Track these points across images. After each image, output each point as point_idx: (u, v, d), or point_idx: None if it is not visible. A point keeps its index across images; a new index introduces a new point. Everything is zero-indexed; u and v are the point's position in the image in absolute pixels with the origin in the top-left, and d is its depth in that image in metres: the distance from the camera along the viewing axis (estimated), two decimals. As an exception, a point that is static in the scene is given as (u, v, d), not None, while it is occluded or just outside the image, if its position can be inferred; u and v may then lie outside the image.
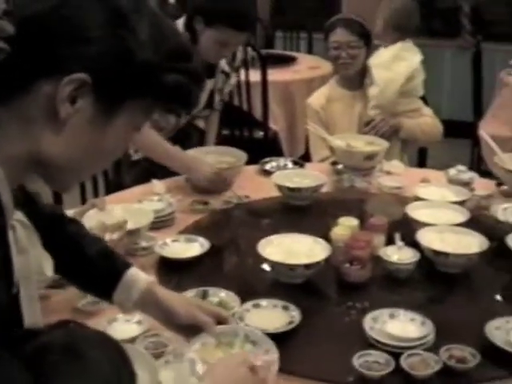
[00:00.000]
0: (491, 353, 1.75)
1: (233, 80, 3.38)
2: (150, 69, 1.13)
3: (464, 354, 1.73)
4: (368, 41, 3.47)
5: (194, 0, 2.95)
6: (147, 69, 1.12)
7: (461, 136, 5.47)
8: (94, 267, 1.68)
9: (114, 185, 3.28)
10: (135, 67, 1.11)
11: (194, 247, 2.30)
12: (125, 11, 1.11)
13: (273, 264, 2.11)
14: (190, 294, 1.97)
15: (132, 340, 1.77)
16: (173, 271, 2.19)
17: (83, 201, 2.95)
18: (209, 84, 3.17)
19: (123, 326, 1.85)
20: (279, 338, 1.75)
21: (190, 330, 1.64)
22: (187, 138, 3.22)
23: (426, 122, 3.54)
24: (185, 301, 1.71)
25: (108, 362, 0.94)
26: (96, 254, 1.69)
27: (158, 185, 2.78)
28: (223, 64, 3.19)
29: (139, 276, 1.68)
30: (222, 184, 2.80)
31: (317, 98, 3.57)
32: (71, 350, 0.93)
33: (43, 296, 1.88)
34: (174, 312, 1.65)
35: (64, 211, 1.86)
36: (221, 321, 1.68)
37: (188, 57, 1.20)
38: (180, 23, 2.97)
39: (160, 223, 2.47)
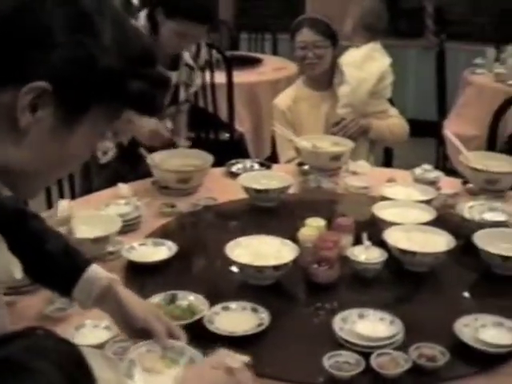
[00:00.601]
0: (460, 350, 1.76)
1: (198, 80, 3.38)
2: (114, 75, 1.10)
3: (433, 353, 1.74)
4: (334, 41, 3.48)
5: None
6: (111, 75, 1.09)
7: (426, 135, 5.51)
8: (55, 264, 1.68)
9: (83, 189, 3.27)
10: (98, 74, 1.08)
11: (162, 251, 2.28)
12: (87, 14, 1.08)
13: (241, 266, 2.10)
14: (159, 297, 1.96)
15: (101, 346, 1.75)
16: (141, 275, 2.18)
17: (49, 205, 2.93)
18: (173, 77, 3.16)
19: (91, 332, 1.83)
20: (249, 341, 1.74)
21: (142, 335, 1.64)
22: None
23: (393, 122, 3.56)
24: (145, 306, 1.71)
25: (58, 371, 0.91)
26: (57, 250, 1.69)
27: (124, 188, 2.76)
28: (187, 57, 3.20)
29: (100, 273, 1.68)
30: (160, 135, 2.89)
31: (283, 99, 3.57)
32: (13, 364, 0.90)
33: (10, 302, 1.87)
34: (133, 314, 1.64)
35: (26, 206, 1.85)
36: (173, 337, 1.66)
37: (152, 62, 1.17)
38: (142, 15, 3.01)
39: (127, 227, 2.45)
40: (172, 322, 1.73)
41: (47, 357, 0.93)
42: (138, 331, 1.64)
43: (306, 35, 3.43)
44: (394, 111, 3.62)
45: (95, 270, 1.67)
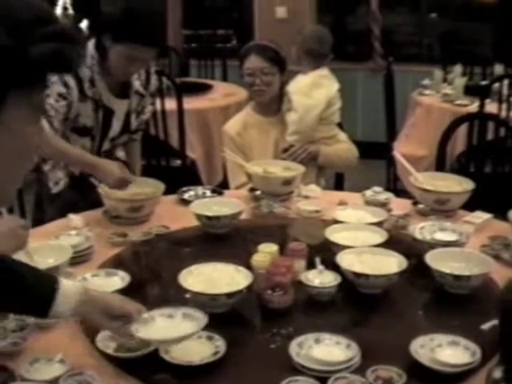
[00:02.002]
0: (417, 371, 1.77)
1: (150, 108, 3.37)
2: (10, 53, 1.03)
3: (390, 374, 1.74)
4: (282, 67, 3.49)
5: (102, 17, 2.96)
6: (7, 54, 1.03)
7: (377, 157, 5.56)
8: (26, 289, 1.75)
9: (36, 219, 3.23)
10: None
11: (115, 281, 2.26)
12: None
13: (194, 294, 2.09)
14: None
15: (55, 380, 1.74)
16: (93, 307, 2.15)
17: None
18: (124, 105, 3.15)
19: (46, 367, 1.81)
20: (205, 370, 1.73)
21: (118, 321, 1.81)
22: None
23: (342, 147, 3.59)
24: (113, 296, 1.92)
25: None
26: (24, 276, 1.77)
27: (74, 219, 2.73)
28: (137, 85, 3.18)
29: (71, 283, 1.80)
30: (126, 181, 2.85)
31: (232, 125, 3.57)
32: None
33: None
34: (112, 305, 1.81)
35: None
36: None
37: (47, 20, 1.09)
38: (90, 44, 3.00)
39: (78, 258, 2.42)
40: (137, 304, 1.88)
41: None
42: (116, 319, 1.80)
43: (253, 62, 3.44)
44: (342, 136, 3.64)
45: (65, 282, 1.78)
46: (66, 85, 2.90)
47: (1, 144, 1.09)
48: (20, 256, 2.17)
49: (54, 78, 2.90)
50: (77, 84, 2.93)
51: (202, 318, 1.87)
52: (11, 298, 1.77)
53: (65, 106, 2.92)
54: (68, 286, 1.77)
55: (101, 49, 2.95)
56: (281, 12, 7.21)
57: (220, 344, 1.87)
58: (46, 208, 3.26)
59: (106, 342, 1.88)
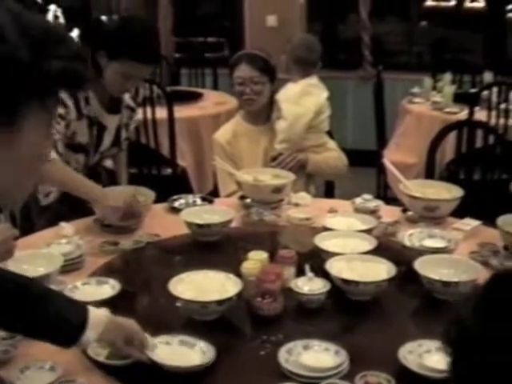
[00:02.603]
0: (405, 377, 1.78)
1: (137, 116, 3.38)
2: (28, 66, 1.10)
3: (379, 380, 1.75)
4: (272, 76, 3.49)
5: (97, 35, 2.97)
6: (25, 67, 1.09)
7: (366, 165, 5.58)
8: (58, 321, 1.78)
9: (24, 230, 3.22)
10: (14, 70, 1.08)
11: (105, 289, 2.26)
12: None
13: (185, 302, 2.10)
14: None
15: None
16: (84, 315, 2.15)
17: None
18: (115, 120, 3.16)
19: (36, 374, 1.81)
20: (195, 377, 1.74)
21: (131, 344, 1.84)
22: (96, 178, 3.19)
23: (331, 156, 3.60)
24: (132, 322, 1.90)
25: None
26: (58, 307, 1.80)
27: (65, 227, 2.74)
28: (127, 99, 3.20)
29: (98, 313, 1.82)
30: (129, 217, 2.77)
31: (222, 134, 3.58)
32: None
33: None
34: (133, 330, 1.86)
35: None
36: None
37: (59, 40, 1.16)
38: None
39: (69, 266, 2.43)
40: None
41: None
42: (132, 342, 1.84)
43: (243, 71, 3.45)
44: (332, 144, 3.65)
45: (93, 310, 1.81)
46: (64, 105, 2.90)
47: (16, 152, 1.14)
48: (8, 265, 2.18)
49: None
50: (74, 103, 2.94)
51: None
52: (35, 323, 1.78)
53: (64, 127, 2.93)
54: (95, 315, 1.80)
55: (95, 66, 2.94)
56: (271, 20, 7.24)
57: (209, 352, 1.88)
58: (35, 220, 3.25)
59: (97, 349, 1.88)
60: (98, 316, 1.80)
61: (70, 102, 2.93)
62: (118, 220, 2.75)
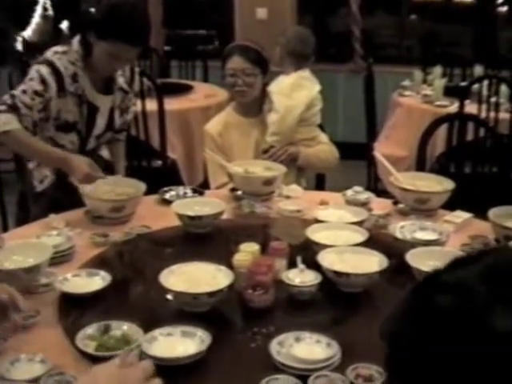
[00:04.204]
0: (396, 369, 1.77)
1: (132, 108, 3.39)
2: None
3: (370, 372, 1.75)
4: (264, 68, 3.48)
5: (87, 15, 3.00)
6: None
7: (357, 158, 5.58)
8: None
9: (19, 220, 3.22)
10: None
11: (96, 281, 2.25)
12: None
13: (176, 294, 2.09)
14: (92, 328, 1.93)
15: (36, 379, 1.74)
16: (75, 307, 2.15)
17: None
18: (108, 101, 3.17)
19: (26, 366, 1.81)
20: (186, 368, 1.73)
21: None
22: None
23: (323, 149, 3.59)
24: None
25: None
26: None
27: (56, 219, 2.73)
28: (121, 81, 3.20)
29: None
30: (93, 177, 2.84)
31: (213, 125, 3.57)
32: None
33: None
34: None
35: None
36: None
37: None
38: (75, 41, 3.04)
39: (60, 258, 2.41)
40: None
41: None
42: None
43: (235, 62, 3.43)
44: (323, 137, 3.65)
45: None
46: (43, 82, 2.91)
47: None
48: None
49: (32, 75, 2.90)
50: (56, 80, 2.94)
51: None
52: None
53: (40, 104, 2.91)
54: None
55: (85, 44, 2.98)
56: (261, 13, 7.22)
57: (201, 342, 1.87)
58: (30, 207, 3.25)
59: (86, 341, 1.88)
60: None
61: (50, 80, 2.93)
62: (85, 180, 2.83)
